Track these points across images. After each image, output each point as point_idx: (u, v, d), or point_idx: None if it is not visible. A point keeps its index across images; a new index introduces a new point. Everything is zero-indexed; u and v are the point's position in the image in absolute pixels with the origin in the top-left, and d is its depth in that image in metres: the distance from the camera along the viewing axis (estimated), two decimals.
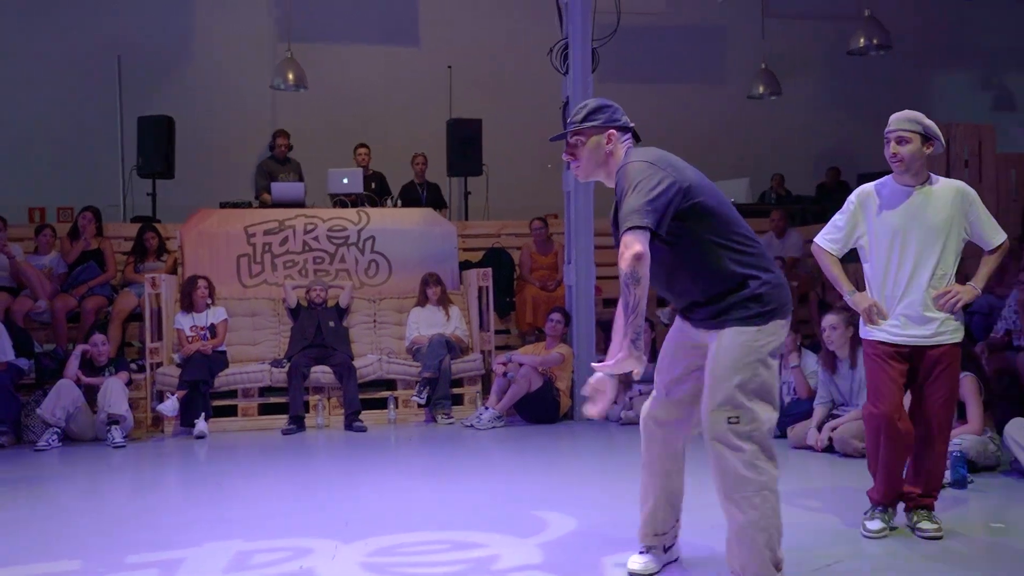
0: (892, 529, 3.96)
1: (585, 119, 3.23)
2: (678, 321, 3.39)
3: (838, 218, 4.08)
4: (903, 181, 3.90)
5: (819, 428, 6.00)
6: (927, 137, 3.84)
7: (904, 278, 3.87)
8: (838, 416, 6.00)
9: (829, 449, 5.89)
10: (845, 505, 4.69)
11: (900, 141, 3.84)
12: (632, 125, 3.27)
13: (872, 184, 4.04)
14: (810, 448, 5.99)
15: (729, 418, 3.02)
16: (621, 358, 2.97)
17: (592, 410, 3.19)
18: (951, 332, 3.88)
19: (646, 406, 3.50)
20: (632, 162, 3.08)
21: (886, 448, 3.92)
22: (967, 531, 4.09)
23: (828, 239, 4.08)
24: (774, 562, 3.04)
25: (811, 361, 6.57)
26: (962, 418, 5.37)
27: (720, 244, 3.08)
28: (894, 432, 3.87)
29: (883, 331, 3.92)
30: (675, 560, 3.57)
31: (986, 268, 3.94)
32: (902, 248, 3.87)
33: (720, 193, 3.19)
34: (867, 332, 4.00)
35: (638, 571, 3.45)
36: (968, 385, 5.34)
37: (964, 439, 5.16)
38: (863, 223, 4.00)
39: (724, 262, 3.07)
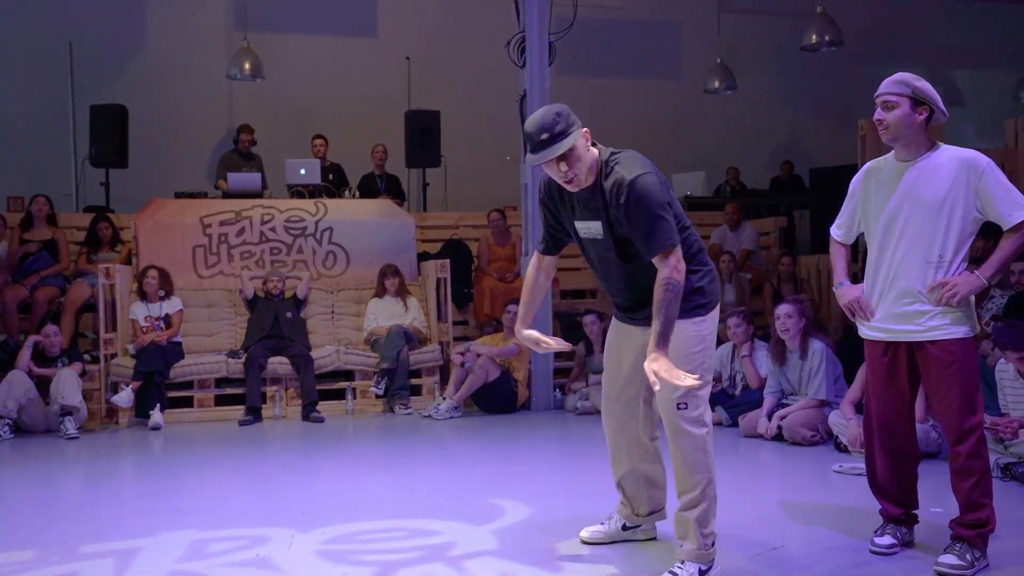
0: (906, 545, 3.60)
1: (568, 129, 3.07)
2: (616, 325, 3.57)
3: (845, 201, 3.70)
4: (899, 155, 3.43)
5: (769, 417, 6.13)
6: (919, 101, 3.34)
7: (895, 267, 3.41)
8: (787, 405, 6.14)
9: (779, 437, 6.02)
10: (790, 492, 4.81)
11: (886, 106, 3.37)
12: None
13: (875, 161, 3.60)
14: (760, 436, 6.12)
15: (679, 404, 3.17)
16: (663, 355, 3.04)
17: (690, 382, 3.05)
18: (949, 324, 3.34)
19: (603, 405, 3.66)
20: (646, 175, 3.10)
21: (882, 458, 3.60)
22: None
23: (835, 225, 3.73)
24: (710, 541, 3.23)
25: (763, 353, 6.67)
26: None
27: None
28: (885, 442, 3.57)
29: (875, 328, 3.51)
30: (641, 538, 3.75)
31: (999, 253, 3.32)
32: (894, 232, 3.42)
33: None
34: (861, 330, 3.62)
35: (585, 537, 3.74)
36: None
37: None
38: (862, 205, 3.58)
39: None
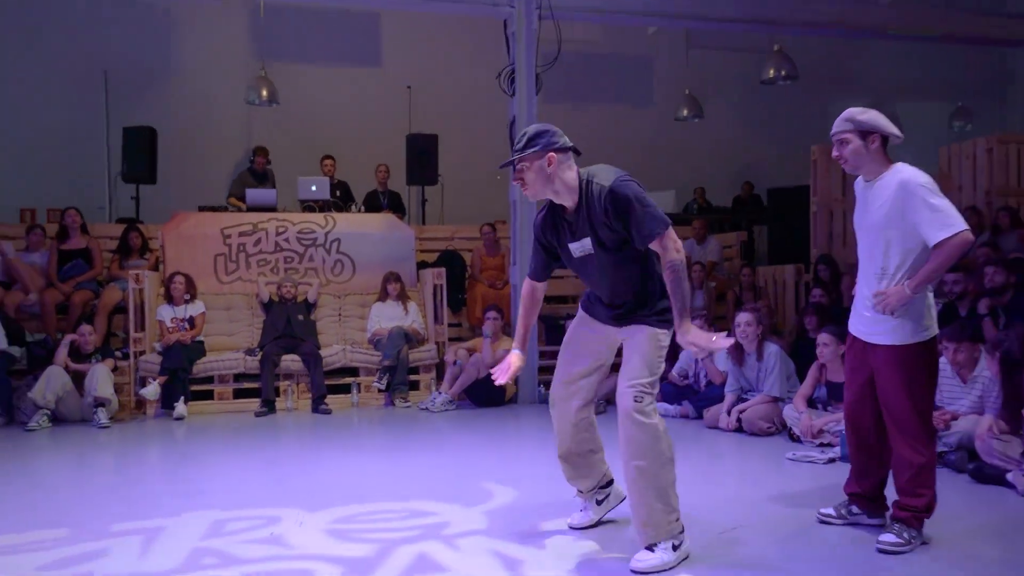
0: (845, 523, 3.67)
1: (526, 147, 3.20)
2: (585, 318, 3.53)
3: None
4: (864, 176, 3.47)
5: (728, 412, 6.15)
6: (867, 132, 3.36)
7: (861, 273, 3.54)
8: (746, 400, 6.17)
9: (739, 429, 6.05)
10: (749, 478, 4.83)
11: (840, 144, 3.43)
12: (571, 145, 3.27)
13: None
14: (722, 429, 6.15)
15: (635, 396, 3.16)
16: (689, 327, 3.09)
17: (722, 342, 3.09)
18: (884, 332, 3.39)
19: (552, 389, 3.59)
20: (621, 179, 3.15)
21: (847, 439, 3.71)
22: None
23: None
24: (674, 516, 3.18)
25: (723, 353, 6.68)
26: None
27: (653, 260, 3.27)
28: (848, 423, 3.66)
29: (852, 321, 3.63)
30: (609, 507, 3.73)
31: (924, 269, 3.29)
32: (860, 244, 3.53)
33: None
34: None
35: (573, 523, 3.67)
36: None
37: None
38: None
39: (656, 275, 3.26)
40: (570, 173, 3.23)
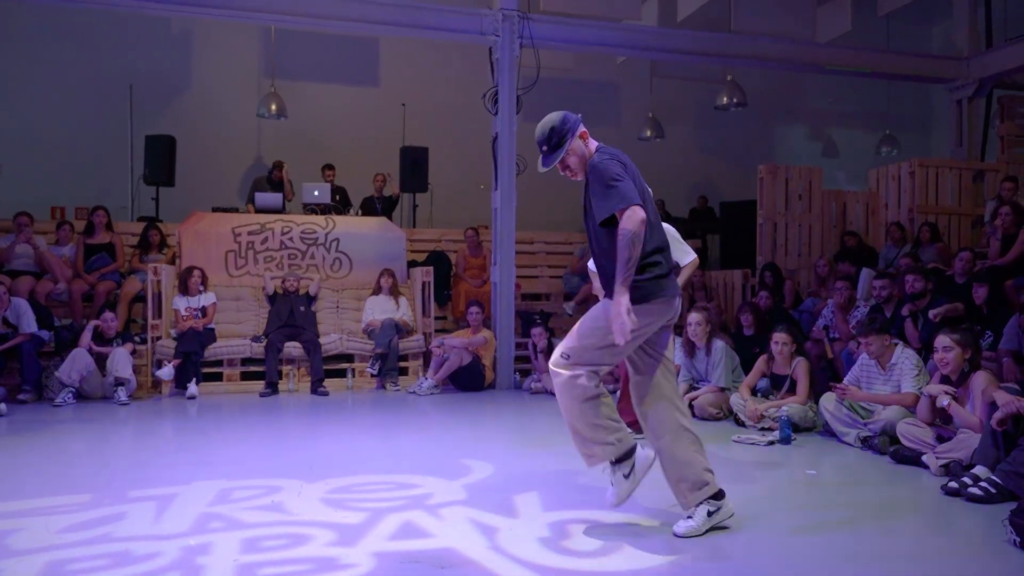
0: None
1: (563, 140, 3.03)
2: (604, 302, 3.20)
3: None
4: None
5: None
6: None
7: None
8: (698, 389, 6.19)
9: (692, 414, 6.06)
10: None
11: None
12: (578, 116, 3.12)
13: None
14: None
15: (562, 353, 3.04)
16: (620, 296, 2.83)
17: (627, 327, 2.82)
18: None
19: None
20: (605, 158, 3.00)
21: None
22: (789, 475, 4.28)
23: None
24: (589, 451, 3.10)
25: (677, 346, 6.70)
26: (792, 391, 5.62)
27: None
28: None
29: None
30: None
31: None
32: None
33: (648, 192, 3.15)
34: None
35: (614, 502, 3.25)
36: (802, 367, 5.60)
37: (791, 407, 5.39)
38: None
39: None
40: (591, 144, 3.11)
